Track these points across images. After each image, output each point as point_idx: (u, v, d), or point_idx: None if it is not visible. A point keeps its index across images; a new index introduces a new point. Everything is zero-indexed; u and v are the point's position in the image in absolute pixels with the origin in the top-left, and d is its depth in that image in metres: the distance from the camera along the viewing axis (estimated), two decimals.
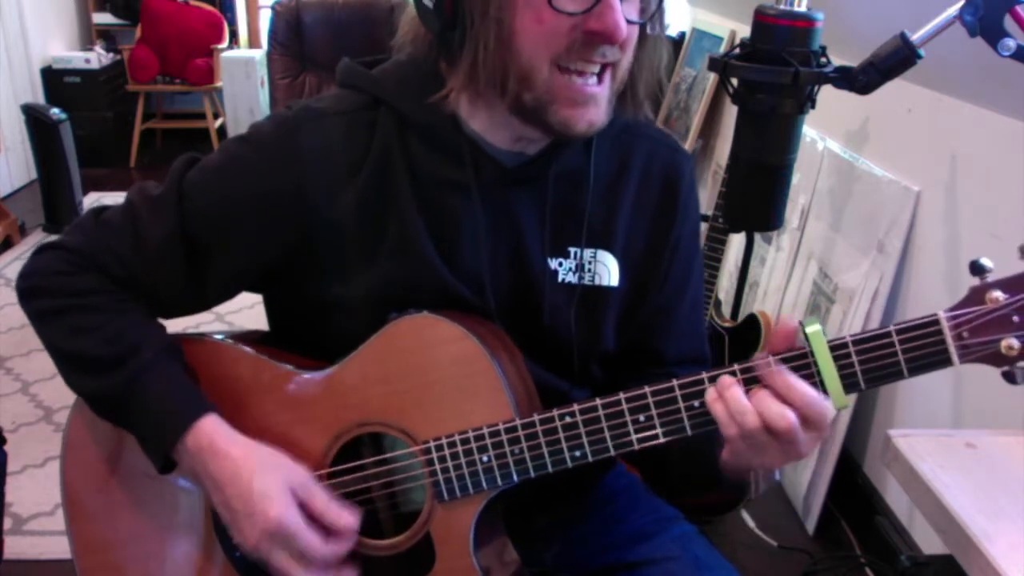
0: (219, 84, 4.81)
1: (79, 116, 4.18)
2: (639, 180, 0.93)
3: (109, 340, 0.85)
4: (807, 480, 1.99)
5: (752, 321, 1.97)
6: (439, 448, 0.82)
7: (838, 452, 1.92)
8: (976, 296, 0.70)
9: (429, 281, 0.86)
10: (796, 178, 2.03)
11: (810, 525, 2.00)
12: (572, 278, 0.91)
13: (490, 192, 0.88)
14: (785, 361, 0.73)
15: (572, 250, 0.91)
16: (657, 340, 0.97)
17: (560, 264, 0.91)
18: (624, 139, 0.94)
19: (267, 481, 0.81)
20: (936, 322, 0.70)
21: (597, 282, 0.92)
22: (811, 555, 1.90)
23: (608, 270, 0.92)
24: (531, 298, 0.90)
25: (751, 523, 1.96)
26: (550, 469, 0.80)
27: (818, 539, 1.98)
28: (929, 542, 1.68)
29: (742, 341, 1.99)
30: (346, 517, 0.82)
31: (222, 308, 1.00)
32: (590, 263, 0.91)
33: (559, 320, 0.90)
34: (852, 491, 1.97)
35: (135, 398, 0.84)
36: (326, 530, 0.82)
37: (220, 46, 4.89)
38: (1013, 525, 0.86)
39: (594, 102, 0.81)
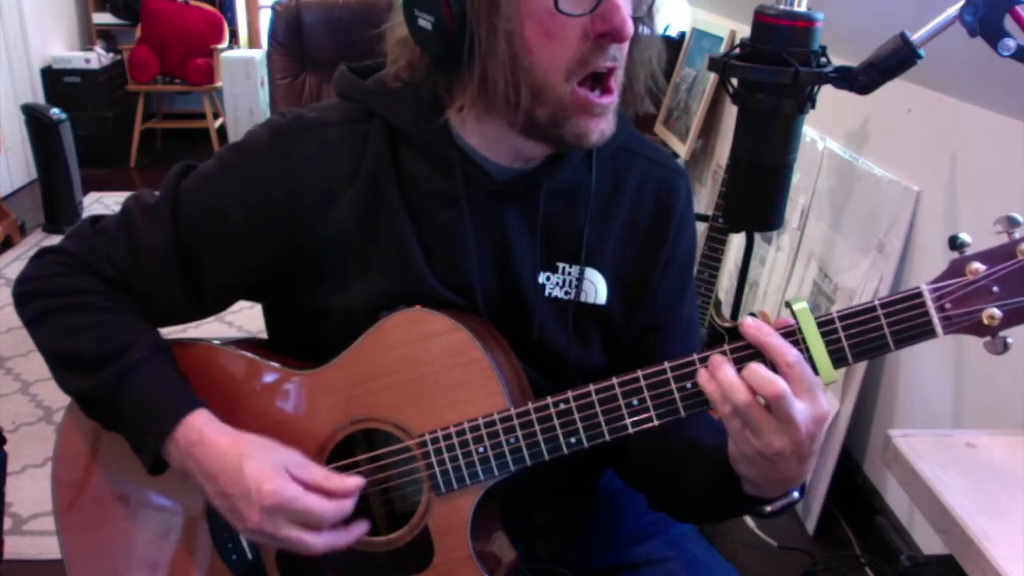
0: (219, 84, 4.81)
1: (79, 116, 4.19)
2: (632, 200, 0.93)
3: (100, 339, 0.85)
4: (807, 480, 1.99)
5: None
6: (435, 441, 0.82)
7: (838, 452, 1.92)
8: (956, 268, 0.71)
9: (420, 293, 0.86)
10: (796, 178, 2.03)
11: (810, 525, 2.00)
12: (560, 293, 0.90)
13: (480, 205, 0.87)
14: None
15: (561, 265, 0.90)
16: (651, 359, 0.96)
17: (548, 279, 0.90)
18: (621, 158, 0.93)
19: (258, 461, 0.80)
20: (919, 295, 0.71)
21: (584, 299, 0.91)
22: (811, 555, 1.90)
23: (596, 288, 0.92)
24: (520, 311, 0.90)
25: (751, 523, 1.96)
26: (546, 456, 0.80)
27: (818, 539, 1.98)
28: (929, 542, 1.68)
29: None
30: (349, 479, 0.82)
31: None
32: (579, 280, 0.91)
33: (547, 334, 0.90)
34: (852, 491, 1.97)
35: (124, 395, 0.83)
36: (328, 497, 0.81)
37: (220, 46, 4.89)
38: (1013, 525, 0.86)
39: (607, 113, 0.81)
